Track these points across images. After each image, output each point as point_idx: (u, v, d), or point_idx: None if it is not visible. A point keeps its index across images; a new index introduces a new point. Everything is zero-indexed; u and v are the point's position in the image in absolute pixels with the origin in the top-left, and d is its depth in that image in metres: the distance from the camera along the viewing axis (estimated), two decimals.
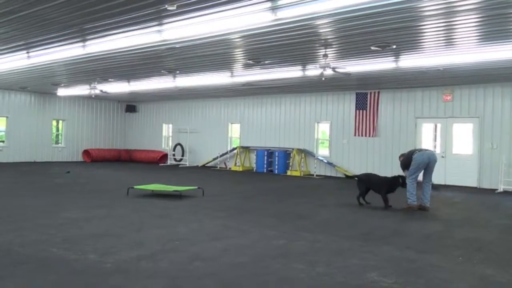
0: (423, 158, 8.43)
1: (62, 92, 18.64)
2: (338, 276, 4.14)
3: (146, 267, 4.22)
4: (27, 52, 10.55)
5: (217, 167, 19.25)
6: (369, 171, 15.51)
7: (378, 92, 15.53)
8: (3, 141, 19.32)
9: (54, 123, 21.10)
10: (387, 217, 7.72)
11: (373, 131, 15.59)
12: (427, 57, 9.89)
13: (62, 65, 12.10)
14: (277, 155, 17.36)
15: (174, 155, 20.97)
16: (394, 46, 9.01)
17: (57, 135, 21.37)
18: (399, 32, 8.03)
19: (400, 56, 9.99)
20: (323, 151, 17.29)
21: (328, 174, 16.56)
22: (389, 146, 15.11)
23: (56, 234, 5.51)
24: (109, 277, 3.91)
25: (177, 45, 9.30)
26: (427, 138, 14.94)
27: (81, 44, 9.44)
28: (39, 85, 17.12)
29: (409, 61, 10.33)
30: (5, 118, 19.15)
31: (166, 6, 6.73)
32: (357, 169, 15.89)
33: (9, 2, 6.71)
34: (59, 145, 21.26)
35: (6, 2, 6.67)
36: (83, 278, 3.87)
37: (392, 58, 10.18)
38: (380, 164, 15.13)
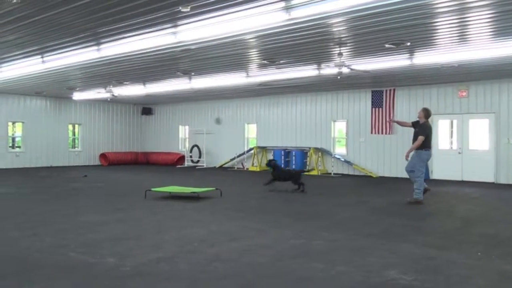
0: (428, 156, 8.68)
1: (77, 96, 18.79)
2: (357, 274, 4.08)
3: (166, 270, 4.21)
4: (42, 57, 10.68)
5: (234, 167, 19.27)
6: (387, 168, 15.53)
7: (394, 90, 15.37)
8: (19, 147, 19.59)
9: (70, 127, 21.34)
10: (405, 214, 7.61)
11: (389, 129, 15.43)
12: (441, 54, 9.79)
13: (77, 69, 12.21)
14: (294, 154, 17.28)
15: (191, 156, 21.06)
16: (409, 43, 8.91)
17: (73, 139, 21.60)
18: (413, 29, 7.96)
19: (415, 53, 9.89)
20: (340, 150, 17.16)
21: (346, 172, 16.43)
22: (406, 144, 14.78)
23: (74, 238, 5.55)
24: (129, 280, 3.91)
25: (192, 47, 9.31)
26: (444, 134, 14.74)
27: (95, 47, 9.52)
28: (55, 89, 17.31)
29: (423, 58, 10.23)
30: (21, 124, 19.37)
31: (180, 8, 6.74)
32: (374, 167, 15.76)
33: (24, 7, 6.79)
34: (76, 149, 21.48)
35: (20, 7, 6.75)
36: (102, 282, 3.87)
37: (406, 55, 10.08)
38: (398, 161, 14.94)
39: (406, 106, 15.11)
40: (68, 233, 5.82)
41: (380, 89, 15.57)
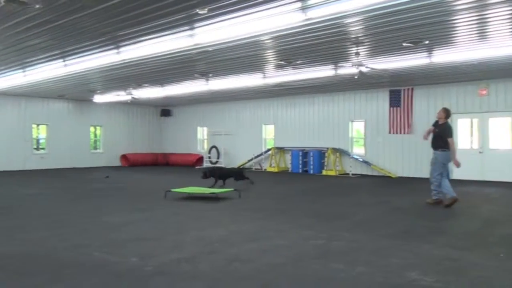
0: (449, 157, 8.42)
1: (98, 98, 19.19)
2: (378, 275, 4.06)
3: (187, 270, 4.27)
4: (64, 61, 10.92)
5: (252, 168, 19.28)
6: (406, 168, 15.34)
7: (412, 89, 15.19)
8: (43, 148, 20.08)
9: (92, 129, 21.76)
10: (425, 215, 7.54)
11: (408, 128, 15.25)
12: (460, 52, 9.66)
13: (97, 72, 12.45)
14: (311, 155, 17.24)
15: (209, 157, 21.22)
16: (427, 42, 8.81)
17: (95, 141, 22.04)
18: (431, 27, 7.87)
19: (433, 52, 9.78)
20: (358, 150, 17.03)
21: (364, 172, 16.30)
22: (425, 143, 14.55)
23: (97, 238, 5.68)
24: (151, 279, 3.98)
25: (209, 49, 9.40)
26: (464, 134, 14.49)
27: (115, 51, 9.69)
28: (76, 92, 17.69)
29: (442, 56, 10.10)
30: (45, 126, 19.89)
31: (197, 10, 6.81)
32: (392, 167, 15.59)
33: (45, 12, 6.96)
34: (97, 150, 21.90)
35: (42, 12, 6.93)
36: (125, 281, 3.96)
37: (425, 54, 9.97)
38: (416, 161, 14.80)
39: (425, 106, 14.91)
40: (92, 233, 5.96)
41: (398, 88, 15.40)
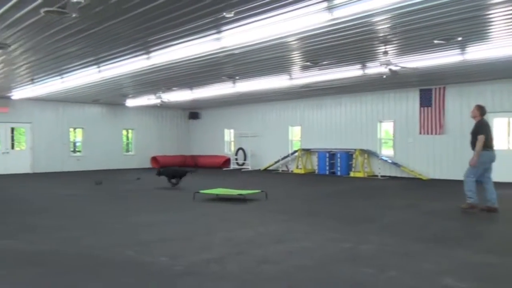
0: (490, 158, 7.84)
1: (130, 102, 19.76)
2: (410, 280, 3.97)
3: (216, 270, 4.33)
4: (98, 67, 11.32)
5: (279, 170, 19.32)
6: (438, 170, 14.97)
7: (444, 88, 14.80)
8: (80, 151, 20.86)
9: (124, 132, 22.43)
10: (459, 219, 7.32)
11: (439, 128, 14.88)
12: (496, 48, 9.29)
13: (129, 77, 12.82)
14: (339, 156, 17.07)
15: (236, 159, 21.37)
16: (460, 38, 8.55)
17: (127, 144, 22.68)
18: (464, 23, 7.61)
19: (467, 48, 9.47)
20: (387, 151, 16.75)
21: (393, 174, 16.01)
22: (457, 143, 14.27)
23: (130, 237, 5.84)
24: (181, 279, 4.07)
25: (236, 51, 9.50)
26: (500, 134, 13.97)
27: (145, 56, 9.95)
28: (110, 97, 18.27)
29: (476, 53, 9.76)
30: (81, 129, 20.74)
31: (224, 14, 6.90)
32: (424, 169, 15.25)
33: (80, 22, 7.24)
34: (130, 153, 22.53)
35: (78, 21, 7.20)
36: (157, 280, 4.05)
37: (457, 51, 9.68)
38: (448, 161, 14.43)
39: (458, 105, 14.50)
40: (124, 233, 6.14)
41: (429, 87, 15.05)
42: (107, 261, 4.67)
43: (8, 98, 17.52)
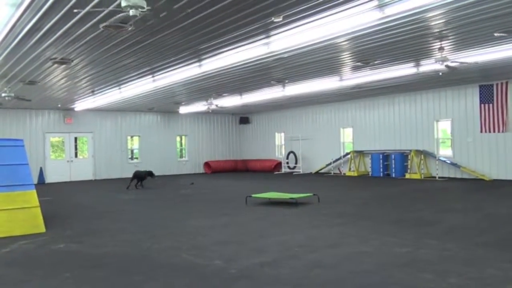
0: None
1: (183, 110, 20.40)
2: None
3: (269, 274, 4.35)
4: (153, 76, 11.80)
5: (331, 173, 19.05)
6: (502, 170, 14.07)
7: (506, 83, 13.91)
8: (137, 158, 21.86)
9: (178, 138, 23.15)
10: None
11: (503, 126, 13.98)
12: None
13: (181, 85, 13.24)
14: (393, 157, 16.55)
15: (287, 163, 21.35)
16: None
17: (181, 150, 23.39)
18: None
19: None
20: (445, 151, 15.99)
21: (452, 175, 15.26)
22: None
23: (185, 241, 6.02)
24: (235, 282, 4.13)
25: (285, 55, 9.51)
26: None
27: (197, 64, 10.22)
28: (164, 105, 18.98)
29: None
30: (138, 137, 21.73)
31: (273, 18, 6.94)
32: (486, 169, 14.42)
33: (135, 34, 7.59)
34: (183, 158, 23.20)
35: (133, 34, 7.55)
36: (212, 282, 4.15)
37: None
38: None
39: None
40: (180, 236, 6.33)
41: (489, 83, 14.21)
42: (164, 264, 4.85)
43: (72, 109, 18.82)
